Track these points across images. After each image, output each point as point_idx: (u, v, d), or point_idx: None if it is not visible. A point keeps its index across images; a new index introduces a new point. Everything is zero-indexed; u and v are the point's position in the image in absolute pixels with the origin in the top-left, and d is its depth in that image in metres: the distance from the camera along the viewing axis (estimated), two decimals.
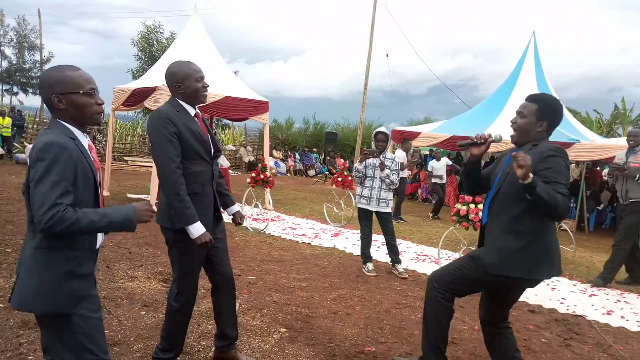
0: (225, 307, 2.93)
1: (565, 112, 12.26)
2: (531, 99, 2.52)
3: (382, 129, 5.52)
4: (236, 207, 3.01)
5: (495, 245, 2.52)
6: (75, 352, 1.79)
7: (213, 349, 3.10)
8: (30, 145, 12.27)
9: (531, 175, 2.18)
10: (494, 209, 2.55)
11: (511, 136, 2.58)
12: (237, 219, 2.98)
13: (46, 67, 26.56)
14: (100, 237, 1.93)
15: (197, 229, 2.49)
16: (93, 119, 1.85)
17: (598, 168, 14.71)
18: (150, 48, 22.20)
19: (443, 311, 2.72)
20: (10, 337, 3.06)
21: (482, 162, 2.78)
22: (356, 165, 5.56)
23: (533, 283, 2.55)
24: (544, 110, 2.46)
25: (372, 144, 5.47)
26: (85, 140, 1.84)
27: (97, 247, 1.92)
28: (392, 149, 10.33)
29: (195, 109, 2.65)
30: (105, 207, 1.80)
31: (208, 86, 2.67)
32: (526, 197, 2.22)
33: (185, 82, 2.54)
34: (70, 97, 1.77)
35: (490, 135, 2.62)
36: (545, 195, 2.19)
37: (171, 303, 2.72)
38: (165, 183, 2.47)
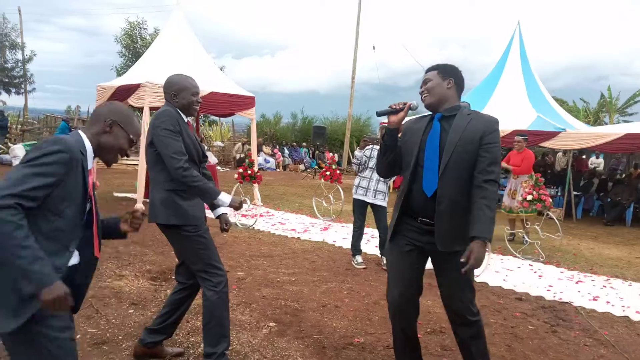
0: (186, 307, 2.97)
1: (552, 101, 12.40)
2: (428, 69, 2.58)
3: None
4: (222, 210, 3.01)
5: (454, 224, 2.45)
6: None
7: (202, 345, 3.09)
8: (15, 145, 11.92)
9: (477, 245, 2.24)
10: (445, 182, 2.43)
11: (425, 102, 2.56)
12: (223, 223, 3.00)
13: (28, 65, 26.12)
14: (75, 259, 1.78)
15: (226, 197, 2.72)
16: (113, 160, 1.89)
17: (584, 156, 14.90)
18: (134, 45, 21.94)
19: None
20: None
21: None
22: (356, 152, 5.59)
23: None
24: (445, 71, 2.52)
25: (379, 133, 5.59)
26: (90, 164, 1.81)
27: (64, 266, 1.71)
28: None
29: (187, 118, 2.82)
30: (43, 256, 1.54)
31: (201, 102, 2.88)
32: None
33: (181, 93, 2.73)
34: (121, 131, 1.84)
35: (410, 103, 2.58)
36: (491, 225, 2.31)
37: (211, 296, 2.71)
38: (179, 170, 2.58)
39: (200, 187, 2.64)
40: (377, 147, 5.45)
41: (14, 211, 1.49)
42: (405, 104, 2.55)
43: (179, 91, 2.74)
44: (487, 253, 2.35)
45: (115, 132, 1.83)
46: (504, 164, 7.55)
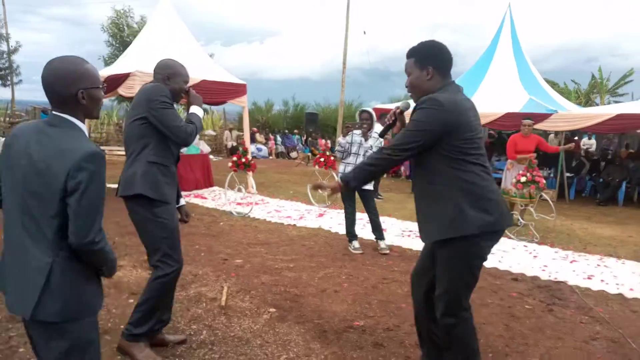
0: (171, 289, 2.96)
1: (543, 83, 12.43)
2: (407, 54, 2.44)
3: (366, 108, 5.61)
4: (182, 202, 3.07)
5: (424, 214, 2.57)
6: None
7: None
8: (3, 138, 11.81)
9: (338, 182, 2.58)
10: (416, 173, 2.54)
11: (414, 100, 2.49)
12: (183, 215, 3.05)
13: (14, 57, 25.75)
14: None
15: (197, 109, 2.92)
16: (98, 113, 1.82)
17: (576, 138, 14.99)
18: (121, 34, 21.68)
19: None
20: (0, 332, 3.03)
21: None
22: (339, 139, 5.60)
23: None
24: (421, 58, 2.37)
25: (357, 118, 5.57)
26: None
27: None
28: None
29: None
30: None
31: (188, 91, 2.94)
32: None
33: (175, 78, 2.80)
34: (92, 92, 1.72)
35: (397, 108, 2.58)
36: (361, 176, 2.45)
37: (152, 282, 2.72)
38: (189, 136, 2.72)
39: (196, 125, 2.80)
40: (358, 132, 5.50)
41: (103, 236, 1.67)
42: (395, 112, 2.57)
43: (172, 75, 2.79)
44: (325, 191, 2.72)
45: (90, 97, 1.71)
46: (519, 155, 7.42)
